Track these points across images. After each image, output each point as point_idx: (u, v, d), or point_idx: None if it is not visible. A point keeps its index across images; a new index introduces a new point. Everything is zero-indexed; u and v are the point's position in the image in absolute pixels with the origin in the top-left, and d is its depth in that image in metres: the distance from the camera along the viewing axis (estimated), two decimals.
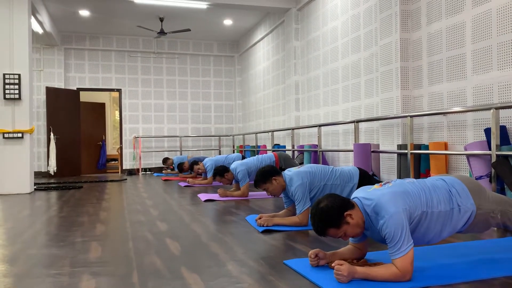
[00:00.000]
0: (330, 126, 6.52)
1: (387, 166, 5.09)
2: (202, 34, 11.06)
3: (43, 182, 8.31)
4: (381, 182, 2.32)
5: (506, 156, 3.27)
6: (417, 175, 4.44)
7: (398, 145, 4.68)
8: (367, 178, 3.57)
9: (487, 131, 3.59)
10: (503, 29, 3.65)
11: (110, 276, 2.25)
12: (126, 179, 8.71)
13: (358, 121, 5.36)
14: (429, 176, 4.31)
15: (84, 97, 11.56)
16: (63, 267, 2.43)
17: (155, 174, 10.33)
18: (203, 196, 5.43)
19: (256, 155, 5.73)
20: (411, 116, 4.38)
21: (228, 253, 2.64)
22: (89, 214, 4.32)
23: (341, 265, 2.01)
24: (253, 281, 2.08)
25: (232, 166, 5.47)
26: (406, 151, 4.40)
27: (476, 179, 3.58)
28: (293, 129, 7.45)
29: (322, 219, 2.08)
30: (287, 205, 3.71)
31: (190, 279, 2.14)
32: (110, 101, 13.56)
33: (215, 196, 5.38)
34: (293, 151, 7.40)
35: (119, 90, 11.17)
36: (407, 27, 4.79)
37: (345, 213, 2.08)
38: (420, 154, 4.39)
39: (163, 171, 10.54)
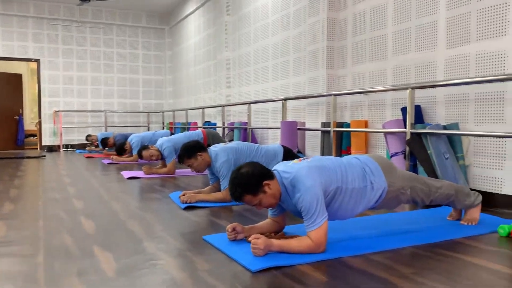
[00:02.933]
0: (260, 104, 6.53)
1: (312, 143, 5.21)
2: (129, 4, 10.50)
3: None
4: (301, 158, 2.34)
5: (419, 134, 3.45)
6: (339, 152, 4.59)
7: (322, 123, 4.80)
8: (291, 155, 3.62)
9: (404, 110, 3.77)
10: (422, 12, 3.82)
11: (13, 256, 2.07)
12: (44, 156, 8.17)
13: (286, 99, 5.40)
14: (350, 153, 4.48)
15: None
16: None
17: (78, 151, 9.80)
18: (126, 174, 5.23)
19: (184, 132, 5.60)
20: (335, 95, 4.49)
21: (146, 231, 2.55)
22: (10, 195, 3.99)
23: (257, 238, 2.01)
24: (169, 258, 2.02)
25: (158, 142, 5.31)
26: (329, 128, 4.52)
27: (392, 156, 3.77)
28: (223, 106, 7.37)
29: (240, 184, 2.08)
30: (212, 182, 3.67)
31: (101, 257, 2.04)
32: (28, 72, 12.55)
33: (139, 174, 5.21)
34: (224, 128, 7.34)
35: (37, 60, 10.34)
36: (334, 6, 4.86)
37: (264, 182, 2.09)
38: (342, 131, 4.53)
39: (87, 148, 10.04)
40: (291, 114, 5.80)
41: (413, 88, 3.52)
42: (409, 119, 3.52)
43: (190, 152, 3.41)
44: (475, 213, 2.64)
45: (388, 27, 4.19)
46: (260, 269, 1.83)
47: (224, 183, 3.37)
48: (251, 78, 7.00)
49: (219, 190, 3.66)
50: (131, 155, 7.06)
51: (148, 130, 11.38)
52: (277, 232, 2.38)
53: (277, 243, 2.04)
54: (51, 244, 2.28)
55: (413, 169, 3.57)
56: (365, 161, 2.32)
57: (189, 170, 5.48)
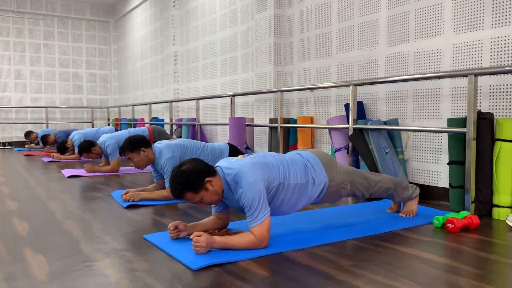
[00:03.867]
0: (209, 100, 6.46)
1: (260, 140, 5.23)
2: None
3: None
4: (245, 154, 2.33)
5: (361, 130, 3.55)
6: (286, 148, 4.63)
7: (269, 119, 4.82)
8: (237, 153, 3.60)
9: (347, 106, 3.86)
10: (364, 10, 3.91)
11: None
12: None
13: (234, 95, 5.38)
14: (297, 148, 4.53)
15: None
16: None
17: (16, 149, 9.25)
18: (66, 172, 4.99)
19: (128, 128, 5.43)
20: (282, 91, 4.52)
21: (84, 231, 2.43)
22: None
23: (199, 236, 1.98)
24: (106, 258, 1.94)
25: (101, 139, 5.11)
26: (277, 124, 4.55)
27: (336, 151, 3.85)
28: (171, 101, 7.22)
29: (180, 182, 2.02)
30: (157, 179, 3.58)
31: (33, 261, 1.91)
32: None
33: (81, 172, 4.99)
34: (171, 125, 7.20)
35: None
36: (281, 3, 4.89)
37: (206, 179, 2.05)
38: (289, 127, 4.57)
39: (26, 146, 9.50)
40: (240, 110, 5.79)
41: (355, 85, 3.61)
42: (352, 115, 3.61)
43: (133, 145, 3.30)
44: (413, 205, 2.74)
45: (332, 24, 4.27)
46: (201, 267, 1.80)
47: (168, 182, 3.29)
48: (200, 74, 6.91)
49: (163, 187, 3.59)
50: (74, 153, 6.77)
51: (93, 127, 10.98)
52: (221, 229, 2.36)
53: (219, 239, 2.01)
54: None
55: (356, 164, 3.67)
56: (306, 157, 2.34)
57: (133, 168, 5.31)
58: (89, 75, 11.03)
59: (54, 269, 1.81)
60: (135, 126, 8.96)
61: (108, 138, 5.06)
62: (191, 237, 2.00)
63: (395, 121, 3.49)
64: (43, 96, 10.48)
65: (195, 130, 6.50)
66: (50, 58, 10.52)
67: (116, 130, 7.06)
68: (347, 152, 3.76)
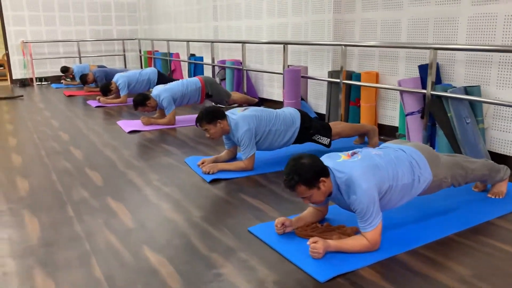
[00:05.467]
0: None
1: (315, 91, 5.11)
2: None
3: None
4: (348, 152, 2.29)
5: (439, 96, 3.43)
6: (347, 104, 4.54)
7: (329, 72, 4.66)
8: (308, 121, 3.54)
9: (422, 68, 3.69)
10: None
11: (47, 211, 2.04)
12: (22, 96, 7.70)
13: (287, 43, 5.16)
14: (359, 105, 4.44)
15: None
16: None
17: (54, 86, 9.28)
18: (125, 126, 5.03)
19: (180, 80, 5.33)
20: (345, 46, 4.32)
21: (186, 219, 2.51)
22: (1, 147, 3.78)
23: (315, 242, 2.04)
24: (227, 263, 2.03)
25: (155, 92, 5.06)
26: (339, 80, 4.41)
27: (407, 114, 3.76)
28: (212, 42, 6.99)
29: (298, 173, 2.04)
30: (228, 147, 3.60)
31: (158, 265, 2.02)
32: None
33: (138, 125, 5.02)
34: (213, 66, 7.05)
35: None
36: None
37: (321, 178, 2.06)
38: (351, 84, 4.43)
39: (62, 81, 9.52)
40: (290, 57, 5.57)
41: (435, 49, 3.42)
42: (430, 79, 3.47)
43: (210, 117, 3.29)
44: (503, 186, 2.73)
45: None
46: (328, 279, 1.87)
47: (246, 153, 3.30)
48: (242, 12, 6.58)
49: (235, 154, 3.63)
50: (118, 96, 6.78)
51: (124, 59, 10.85)
52: (321, 221, 2.42)
53: (333, 244, 2.07)
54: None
55: (432, 129, 3.60)
56: (410, 154, 2.30)
57: (188, 120, 5.33)
58: (117, 4, 10.62)
59: (185, 280, 1.91)
60: (170, 62, 8.81)
61: (163, 91, 5.02)
62: (308, 243, 2.06)
63: (477, 90, 3.35)
64: (73, 29, 10.22)
65: (241, 75, 6.36)
66: None
67: (159, 72, 6.94)
68: (421, 117, 3.68)
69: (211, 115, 3.31)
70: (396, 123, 4.21)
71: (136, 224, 2.48)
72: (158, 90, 5.06)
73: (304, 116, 3.56)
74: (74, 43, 10.23)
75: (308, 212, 2.41)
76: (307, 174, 2.04)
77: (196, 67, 7.89)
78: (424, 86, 3.64)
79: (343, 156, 2.24)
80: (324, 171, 2.09)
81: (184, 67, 8.76)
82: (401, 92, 3.78)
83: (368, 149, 2.33)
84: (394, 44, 4.04)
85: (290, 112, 3.54)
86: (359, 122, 4.44)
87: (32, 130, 4.92)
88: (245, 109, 3.45)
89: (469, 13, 3.44)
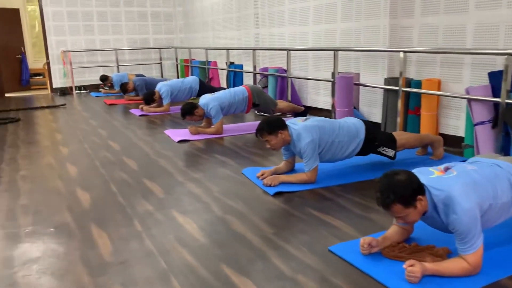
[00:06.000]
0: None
1: (368, 99, 4.94)
2: None
3: None
4: (440, 166, 2.13)
5: None
6: (406, 113, 4.35)
7: (385, 79, 4.49)
8: (373, 132, 3.38)
9: (493, 76, 3.49)
10: None
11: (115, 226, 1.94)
12: (65, 105, 7.80)
13: (338, 50, 5.02)
14: (419, 114, 4.24)
15: None
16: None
17: (93, 94, 9.39)
18: (173, 135, 4.97)
19: (228, 88, 5.25)
20: (405, 52, 4.14)
21: (265, 241, 2.39)
22: (55, 157, 3.75)
23: (412, 265, 1.88)
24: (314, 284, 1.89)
25: (203, 101, 4.99)
26: (397, 88, 4.24)
27: (476, 124, 3.55)
28: (254, 49, 6.91)
29: (395, 191, 1.89)
30: (286, 157, 3.47)
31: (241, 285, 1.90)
32: (23, 5, 11.61)
33: (186, 135, 4.96)
34: (255, 74, 6.97)
35: None
36: None
37: (418, 196, 1.91)
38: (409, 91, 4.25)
39: (100, 90, 9.63)
40: (340, 64, 5.40)
41: (511, 55, 3.21)
42: (505, 87, 3.26)
43: (272, 128, 3.18)
44: None
45: None
46: None
47: (309, 165, 3.16)
48: (285, 19, 6.47)
49: (293, 165, 3.50)
50: (160, 105, 6.77)
51: (161, 67, 10.92)
52: (406, 240, 2.26)
53: (431, 267, 1.91)
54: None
55: (505, 138, 3.38)
56: (508, 170, 2.12)
57: (235, 129, 5.25)
58: (154, 13, 10.71)
59: None
60: (208, 70, 8.78)
61: (211, 100, 4.94)
62: (404, 266, 1.90)
63: None
64: (111, 37, 10.36)
65: (285, 82, 6.25)
66: None
67: (201, 80, 6.90)
68: (492, 127, 3.46)
69: (273, 126, 3.20)
70: (460, 133, 3.99)
71: (207, 239, 2.37)
72: (206, 99, 4.99)
73: (369, 126, 3.40)
74: (112, 52, 10.35)
75: (394, 231, 2.25)
76: (404, 192, 1.89)
77: (235, 75, 7.83)
78: (496, 94, 3.43)
79: (436, 171, 2.08)
80: (421, 189, 1.94)
81: (222, 75, 8.71)
82: (469, 100, 3.57)
83: (462, 164, 2.16)
84: (461, 50, 3.84)
85: (353, 123, 3.39)
86: (419, 132, 4.25)
87: (82, 140, 4.92)
88: (306, 119, 3.32)
89: None
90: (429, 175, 2.05)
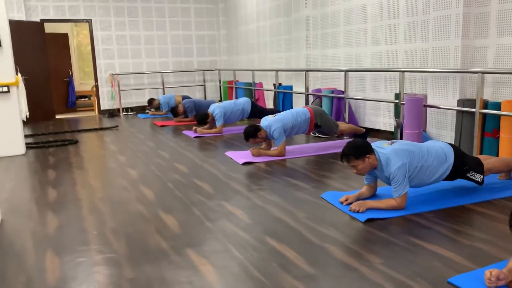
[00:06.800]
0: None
1: (437, 121, 4.81)
2: None
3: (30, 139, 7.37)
4: None
5: None
6: (482, 135, 4.20)
7: (459, 101, 4.36)
8: (462, 157, 3.26)
9: None
10: None
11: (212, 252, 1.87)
12: (117, 126, 7.94)
13: (406, 71, 4.93)
14: (497, 136, 4.09)
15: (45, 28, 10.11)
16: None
17: (141, 116, 9.55)
18: (236, 157, 4.95)
19: (290, 110, 5.22)
20: (483, 73, 4.02)
21: (352, 254, 2.29)
22: (126, 178, 3.76)
23: None
24: None
25: (265, 123, 4.96)
26: (474, 109, 4.10)
27: None
28: (307, 70, 6.90)
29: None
30: (369, 182, 3.36)
31: None
32: (72, 30, 12.05)
33: (249, 157, 4.92)
34: (307, 95, 6.93)
35: (89, 21, 9.85)
36: None
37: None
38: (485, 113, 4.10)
39: (147, 111, 9.78)
40: (405, 85, 5.30)
41: None
42: None
43: (359, 152, 3.08)
44: None
45: None
46: None
47: (399, 190, 3.05)
48: (341, 40, 6.45)
49: (375, 189, 3.39)
50: (212, 126, 6.81)
51: (204, 89, 11.05)
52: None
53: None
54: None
55: None
56: None
57: (296, 151, 5.19)
58: (198, 36, 10.91)
59: None
60: (254, 91, 8.81)
61: (274, 122, 4.91)
62: None
63: None
64: (157, 60, 10.58)
65: (341, 104, 6.18)
66: (161, 22, 10.48)
67: (252, 100, 6.95)
68: None
69: (360, 150, 3.11)
70: None
71: (315, 269, 2.28)
72: (268, 121, 4.96)
73: (457, 151, 3.28)
74: (157, 74, 10.56)
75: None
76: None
77: (285, 96, 7.82)
78: None
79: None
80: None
81: (267, 97, 8.73)
82: None
83: None
84: None
85: (441, 147, 3.27)
86: (497, 155, 4.08)
87: (146, 161, 4.95)
88: (393, 143, 3.23)
89: None
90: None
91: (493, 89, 4.23)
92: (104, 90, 10.23)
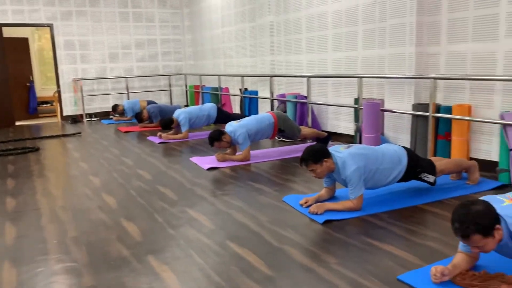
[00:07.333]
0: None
1: (393, 124, 5.00)
2: None
3: None
4: (508, 194, 2.16)
5: None
6: (435, 138, 4.40)
7: (414, 105, 4.56)
8: (415, 159, 3.42)
9: None
10: None
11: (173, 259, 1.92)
12: (80, 133, 7.80)
13: (364, 77, 5.11)
14: (449, 139, 4.30)
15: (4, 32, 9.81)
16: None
17: (105, 122, 9.40)
18: (200, 163, 4.98)
19: (254, 115, 5.30)
20: (435, 79, 4.23)
21: (310, 256, 2.38)
22: (88, 186, 3.73)
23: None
24: None
25: (230, 128, 5.02)
26: (428, 113, 4.30)
27: None
28: (271, 76, 7.01)
29: (475, 222, 1.92)
30: (328, 184, 3.48)
31: None
32: (32, 34, 11.73)
33: (214, 162, 4.97)
34: (272, 100, 7.04)
35: (50, 25, 9.63)
36: None
37: (496, 226, 1.93)
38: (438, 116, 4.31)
39: (111, 117, 9.64)
40: (363, 90, 5.47)
41: None
42: None
43: (317, 156, 3.20)
44: None
45: (501, 5, 3.85)
46: None
47: (355, 192, 3.17)
48: (303, 47, 6.60)
49: (335, 192, 3.51)
50: (177, 131, 6.80)
51: (170, 94, 10.99)
52: (473, 267, 2.26)
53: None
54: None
55: None
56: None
57: (260, 155, 5.28)
58: (163, 41, 10.86)
59: None
60: (220, 96, 8.85)
61: (238, 127, 4.97)
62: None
63: None
64: (121, 65, 10.46)
65: (305, 109, 6.31)
66: (125, 26, 10.37)
67: (218, 105, 6.98)
68: None
69: (318, 155, 3.22)
70: (492, 157, 4.04)
71: (273, 271, 2.36)
72: (233, 126, 5.02)
73: (411, 153, 3.44)
74: (122, 79, 10.44)
75: (462, 259, 2.25)
76: (483, 222, 1.92)
77: (251, 101, 7.90)
78: None
79: (506, 200, 2.11)
80: (498, 218, 1.96)
81: (234, 101, 8.80)
82: (505, 126, 3.64)
83: None
84: (490, 77, 3.93)
85: (395, 150, 3.42)
86: (449, 157, 4.29)
87: (110, 169, 4.91)
88: (349, 147, 3.36)
89: None
90: (500, 204, 2.08)
91: (445, 94, 4.45)
92: (66, 96, 10.02)
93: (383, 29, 5.04)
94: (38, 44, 12.00)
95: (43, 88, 12.03)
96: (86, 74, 10.07)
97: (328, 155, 3.25)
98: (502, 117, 3.66)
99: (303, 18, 6.50)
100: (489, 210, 1.95)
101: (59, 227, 3.14)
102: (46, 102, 11.78)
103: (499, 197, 2.16)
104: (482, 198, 2.14)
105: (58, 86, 9.94)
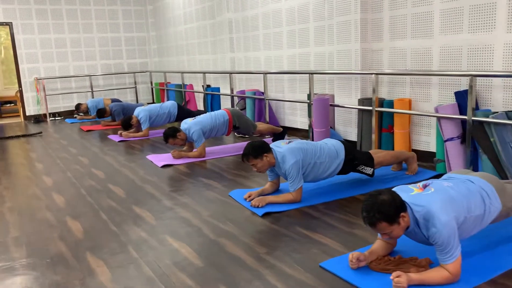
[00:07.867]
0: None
1: (344, 119, 5.17)
2: None
3: None
4: (418, 183, 2.32)
5: (481, 121, 3.48)
6: (380, 131, 4.58)
7: (359, 100, 4.73)
8: (352, 152, 3.58)
9: (459, 95, 3.76)
10: None
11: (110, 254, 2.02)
12: (41, 133, 7.73)
13: (314, 73, 5.25)
14: (392, 132, 4.49)
15: None
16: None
17: (68, 121, 9.32)
18: (156, 160, 5.04)
19: (209, 112, 5.39)
20: (377, 74, 4.40)
21: (242, 247, 2.50)
22: (39, 187, 3.76)
23: (398, 276, 2.04)
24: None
25: (184, 126, 5.10)
26: (371, 108, 4.47)
27: (446, 140, 3.80)
28: (231, 73, 7.10)
29: (380, 210, 2.06)
30: (271, 179, 3.61)
31: None
32: None
33: (169, 159, 5.04)
34: (232, 97, 7.13)
35: (9, 24, 9.45)
36: None
37: (401, 213, 2.08)
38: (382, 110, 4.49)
39: (75, 116, 9.56)
40: (315, 85, 5.64)
41: (474, 76, 3.49)
42: (470, 105, 3.53)
43: (257, 152, 3.32)
44: None
45: (435, 3, 4.04)
46: None
47: (294, 185, 3.31)
48: (261, 44, 6.71)
49: (279, 186, 3.65)
50: (138, 130, 6.83)
51: (136, 91, 10.95)
52: (391, 253, 2.42)
53: (415, 277, 2.08)
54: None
55: (473, 153, 3.63)
56: (480, 185, 2.32)
57: (216, 152, 5.37)
58: (127, 38, 10.80)
59: None
60: (184, 93, 8.90)
61: (193, 124, 5.05)
62: (392, 277, 2.06)
63: None
64: (84, 63, 10.36)
65: (262, 104, 6.43)
66: (88, 24, 10.27)
67: (181, 104, 7.03)
68: (461, 142, 3.72)
69: (258, 150, 3.34)
70: (431, 148, 4.25)
71: (204, 262, 2.47)
72: (187, 124, 5.10)
73: (348, 147, 3.59)
74: (86, 78, 10.34)
75: (379, 245, 2.41)
76: (388, 210, 2.06)
77: (213, 98, 7.98)
78: (462, 112, 3.70)
79: (415, 189, 2.27)
80: (403, 206, 2.11)
81: (198, 98, 8.86)
82: (439, 118, 3.83)
83: (438, 181, 2.36)
84: (428, 72, 4.12)
85: (333, 144, 3.57)
86: (393, 149, 4.48)
87: (64, 168, 4.92)
88: (289, 142, 3.49)
89: (505, 40, 3.53)
90: (409, 193, 2.23)
91: (389, 89, 4.63)
92: (29, 95, 9.87)
93: (331, 26, 5.19)
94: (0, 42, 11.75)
95: (6, 88, 11.81)
96: (49, 73, 9.94)
97: (268, 150, 3.37)
98: (436, 110, 3.85)
99: (260, 15, 6.60)
100: (394, 199, 2.10)
101: (2, 228, 3.17)
102: (9, 102, 11.56)
103: (411, 186, 2.32)
104: (394, 188, 2.30)
105: (20, 85, 9.78)
